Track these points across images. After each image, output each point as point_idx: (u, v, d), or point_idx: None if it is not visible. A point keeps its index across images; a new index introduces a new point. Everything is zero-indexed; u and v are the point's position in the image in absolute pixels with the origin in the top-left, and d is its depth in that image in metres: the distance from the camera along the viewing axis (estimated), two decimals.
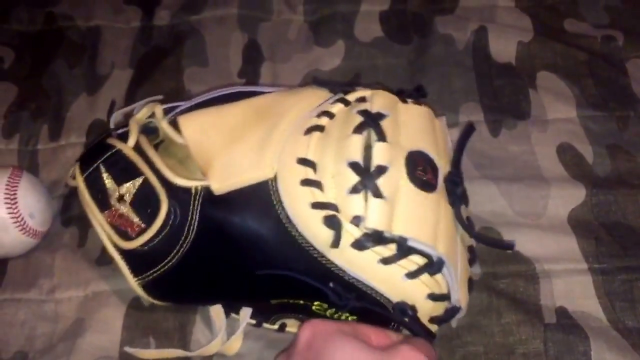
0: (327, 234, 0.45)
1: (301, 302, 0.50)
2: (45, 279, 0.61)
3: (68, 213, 0.65)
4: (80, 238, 0.63)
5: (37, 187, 0.62)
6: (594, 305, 0.55)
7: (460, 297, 0.48)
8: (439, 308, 0.47)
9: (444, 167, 0.50)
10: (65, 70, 0.76)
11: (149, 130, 0.56)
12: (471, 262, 0.52)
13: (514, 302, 0.55)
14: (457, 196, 0.50)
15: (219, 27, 0.79)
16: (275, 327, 0.55)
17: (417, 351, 0.42)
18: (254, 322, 0.55)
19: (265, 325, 0.55)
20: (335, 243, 0.45)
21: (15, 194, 0.59)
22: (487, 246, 0.56)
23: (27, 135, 0.71)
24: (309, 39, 0.77)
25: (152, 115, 0.56)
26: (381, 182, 0.45)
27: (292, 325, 0.54)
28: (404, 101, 0.52)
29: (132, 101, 0.72)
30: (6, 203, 0.59)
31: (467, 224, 0.50)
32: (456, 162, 0.52)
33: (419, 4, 0.79)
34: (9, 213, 0.59)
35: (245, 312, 0.54)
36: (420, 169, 0.48)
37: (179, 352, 0.54)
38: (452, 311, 0.48)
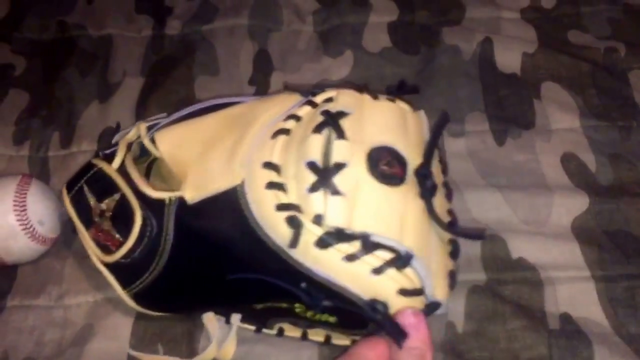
0: (290, 234, 0.45)
1: (284, 305, 0.50)
2: (55, 286, 0.61)
3: None
4: None
5: (47, 194, 0.63)
6: (597, 312, 0.56)
7: (437, 291, 0.47)
8: (415, 304, 0.45)
9: (415, 160, 0.49)
10: (77, 78, 0.77)
11: (144, 151, 0.58)
12: (453, 255, 0.50)
13: (519, 309, 0.56)
14: (426, 189, 0.48)
15: (230, 37, 0.80)
16: (274, 332, 0.55)
17: None
18: (253, 328, 0.56)
19: (265, 330, 0.56)
20: (294, 243, 0.45)
21: (24, 201, 0.60)
22: (460, 237, 0.53)
23: (38, 142, 0.72)
24: (318, 49, 0.78)
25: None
26: (339, 179, 0.45)
27: (289, 330, 0.55)
28: (375, 97, 0.52)
29: (143, 109, 0.73)
30: (15, 210, 0.59)
31: (437, 217, 0.48)
32: (427, 154, 0.50)
33: (426, 16, 0.80)
34: (18, 220, 0.59)
35: (235, 318, 0.55)
36: (384, 162, 0.47)
37: None
38: (432, 306, 0.46)
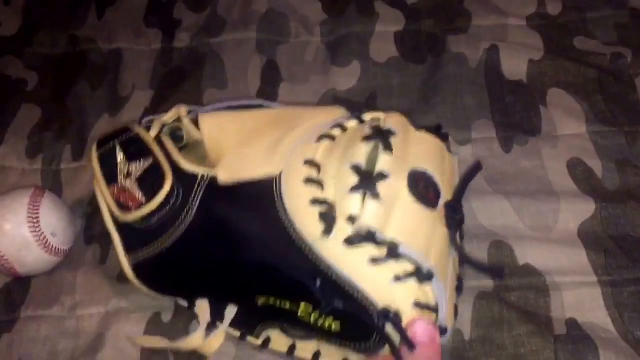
0: (321, 229, 0.46)
1: (287, 305, 0.50)
2: (67, 296, 0.62)
3: (90, 231, 0.67)
4: (102, 256, 0.64)
5: (59, 206, 0.64)
6: (604, 317, 0.56)
7: (447, 317, 0.48)
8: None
9: (446, 195, 0.51)
10: (88, 92, 0.78)
11: (175, 137, 0.59)
12: (458, 289, 0.52)
13: (525, 314, 0.56)
14: (454, 220, 0.50)
15: (238, 50, 0.81)
16: (259, 342, 0.54)
17: None
18: (238, 333, 0.55)
19: (250, 339, 0.55)
20: (327, 231, 0.46)
21: (37, 213, 0.61)
22: (479, 272, 0.57)
23: (50, 156, 0.73)
24: (326, 59, 0.79)
25: (178, 119, 0.59)
26: (381, 186, 0.47)
27: (276, 342, 0.54)
28: (418, 130, 0.54)
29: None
30: (29, 222, 0.60)
31: (457, 245, 0.51)
32: (458, 193, 0.53)
33: (432, 24, 0.81)
34: (32, 232, 0.60)
35: (230, 312, 0.55)
36: (422, 185, 0.49)
37: (164, 342, 0.55)
38: (440, 331, 0.47)
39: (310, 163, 0.49)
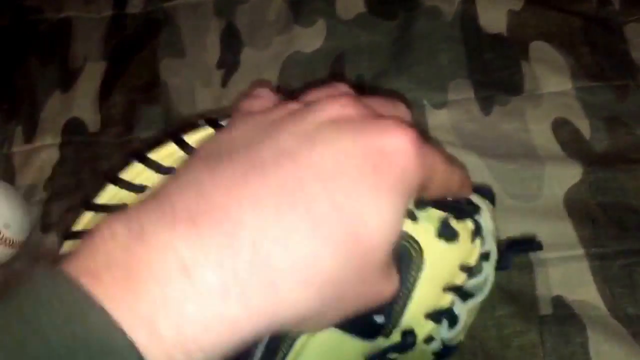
0: None
1: None
2: None
3: (47, 219, 0.63)
4: (61, 245, 0.61)
5: (12, 195, 0.60)
6: (592, 293, 0.52)
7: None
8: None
9: None
10: (37, 67, 0.73)
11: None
12: None
13: (508, 294, 0.53)
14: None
15: (195, 14, 0.75)
16: None
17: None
18: None
19: None
20: None
21: None
22: None
23: (1, 138, 0.68)
24: (288, 19, 0.73)
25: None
26: None
27: None
28: None
29: (106, 95, 0.70)
30: None
31: None
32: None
33: None
34: None
35: None
36: None
37: None
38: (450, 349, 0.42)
39: None
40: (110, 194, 0.38)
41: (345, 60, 0.69)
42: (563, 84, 0.64)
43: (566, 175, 0.58)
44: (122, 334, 0.23)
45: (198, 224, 0.25)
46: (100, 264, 0.24)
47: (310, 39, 0.71)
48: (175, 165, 0.37)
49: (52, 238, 0.62)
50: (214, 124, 0.37)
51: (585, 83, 0.63)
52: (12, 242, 0.58)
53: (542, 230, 0.55)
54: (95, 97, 0.70)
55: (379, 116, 0.31)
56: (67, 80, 0.72)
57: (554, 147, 0.60)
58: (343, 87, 0.34)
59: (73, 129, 0.68)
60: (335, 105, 0.30)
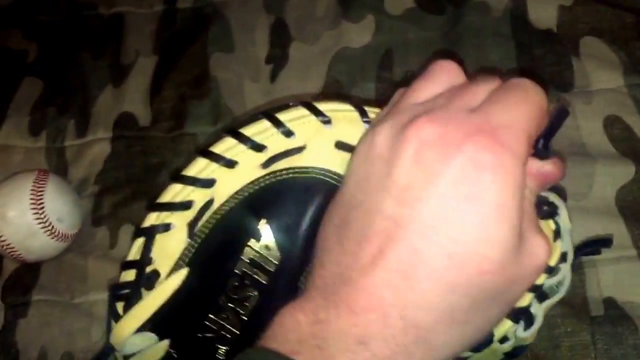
0: None
1: None
2: (79, 282, 0.60)
3: (98, 212, 0.65)
4: (112, 238, 0.63)
5: (65, 189, 0.62)
6: None
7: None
8: None
9: None
10: (90, 62, 0.75)
11: None
12: None
13: None
14: None
15: (244, 9, 0.76)
16: None
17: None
18: None
19: None
20: None
21: (42, 198, 0.58)
22: None
23: (54, 132, 0.70)
24: (337, 14, 0.73)
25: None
26: None
27: None
28: None
29: (157, 90, 0.71)
30: (33, 209, 0.58)
31: None
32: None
33: None
34: (37, 219, 0.58)
35: None
36: None
37: None
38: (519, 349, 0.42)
39: None
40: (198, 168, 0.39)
41: (394, 55, 0.69)
42: (614, 80, 0.63)
43: (618, 174, 0.57)
44: None
45: (357, 312, 0.31)
46: (293, 343, 0.31)
47: (359, 34, 0.71)
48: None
49: (102, 231, 0.63)
50: (309, 105, 0.38)
51: (637, 79, 0.63)
52: (65, 236, 0.60)
53: (592, 230, 0.55)
54: (146, 92, 0.71)
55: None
56: (119, 75, 0.73)
57: (605, 144, 0.60)
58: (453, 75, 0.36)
59: (124, 123, 0.69)
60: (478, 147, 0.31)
